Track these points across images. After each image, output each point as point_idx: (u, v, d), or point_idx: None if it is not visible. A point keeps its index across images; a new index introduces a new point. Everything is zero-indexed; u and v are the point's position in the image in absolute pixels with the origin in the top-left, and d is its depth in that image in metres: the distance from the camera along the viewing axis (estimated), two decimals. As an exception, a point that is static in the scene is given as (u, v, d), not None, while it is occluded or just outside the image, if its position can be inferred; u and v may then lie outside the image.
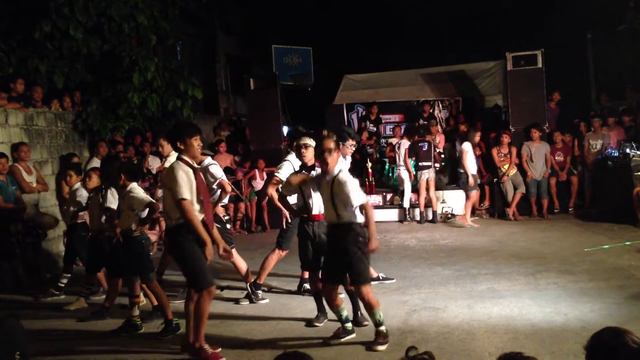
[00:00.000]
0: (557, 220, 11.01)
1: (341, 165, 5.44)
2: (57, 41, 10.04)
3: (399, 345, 4.84)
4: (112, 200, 6.27)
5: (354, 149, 6.81)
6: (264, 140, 12.52)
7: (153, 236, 9.48)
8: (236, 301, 6.71)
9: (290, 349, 2.45)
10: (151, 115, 10.92)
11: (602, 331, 2.35)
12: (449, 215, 11.83)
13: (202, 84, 12.69)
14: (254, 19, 18.16)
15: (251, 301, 6.63)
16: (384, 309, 5.21)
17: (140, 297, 6.12)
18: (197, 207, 4.88)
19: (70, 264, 7.58)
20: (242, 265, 6.75)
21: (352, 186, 4.96)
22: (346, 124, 14.82)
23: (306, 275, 6.53)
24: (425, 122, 13.22)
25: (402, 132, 13.15)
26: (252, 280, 6.72)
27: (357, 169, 11.42)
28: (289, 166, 6.36)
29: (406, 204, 11.88)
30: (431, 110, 15.05)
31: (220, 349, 5.03)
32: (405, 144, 11.87)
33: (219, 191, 6.57)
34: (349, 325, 5.25)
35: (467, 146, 10.88)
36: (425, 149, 11.57)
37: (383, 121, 15.58)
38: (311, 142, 5.88)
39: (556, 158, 11.67)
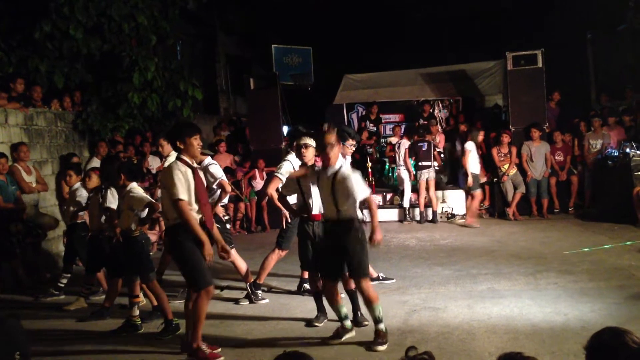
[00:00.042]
0: (557, 220, 11.00)
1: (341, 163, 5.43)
2: (57, 41, 10.03)
3: (399, 345, 4.84)
4: (112, 200, 6.27)
5: (354, 148, 6.80)
6: (264, 140, 12.52)
7: (153, 236, 9.47)
8: (236, 301, 6.71)
9: (290, 349, 2.45)
10: (151, 115, 10.92)
11: (602, 331, 2.35)
12: (449, 215, 11.83)
13: (202, 84, 12.68)
14: (254, 19, 18.17)
15: (251, 301, 6.63)
16: (384, 309, 5.21)
17: (140, 297, 6.12)
18: (195, 207, 4.88)
19: (70, 264, 7.58)
20: (242, 265, 6.75)
21: (356, 180, 4.97)
22: (346, 123, 14.82)
23: (306, 275, 6.53)
24: (425, 122, 13.22)
25: (402, 131, 13.16)
26: (252, 280, 6.72)
27: (357, 169, 11.39)
28: (288, 166, 6.35)
29: (406, 204, 11.87)
30: (431, 110, 15.06)
31: (220, 349, 5.03)
32: (405, 143, 11.87)
33: (218, 191, 6.57)
34: (348, 323, 5.24)
35: (470, 145, 10.87)
36: (424, 148, 11.57)
37: (383, 121, 15.59)
38: (311, 142, 5.87)
39: (556, 158, 11.67)
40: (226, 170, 9.30)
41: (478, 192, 10.98)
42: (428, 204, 11.71)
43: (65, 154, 9.98)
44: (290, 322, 5.85)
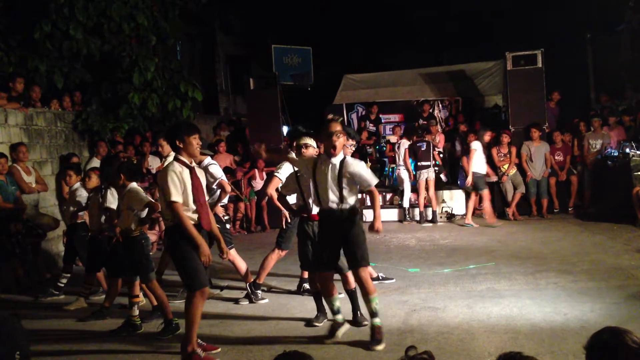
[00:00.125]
0: (557, 220, 11.00)
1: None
2: (57, 41, 10.02)
3: (399, 345, 4.84)
4: (112, 200, 6.27)
5: (353, 148, 6.80)
6: (263, 140, 12.47)
7: (153, 236, 9.48)
8: (236, 301, 6.71)
9: (290, 349, 2.45)
10: (151, 115, 10.92)
11: (602, 331, 2.35)
12: (449, 215, 11.83)
13: (202, 84, 12.69)
14: (254, 19, 18.16)
15: (251, 301, 6.63)
16: (384, 309, 5.21)
17: (140, 297, 6.12)
18: (192, 207, 4.86)
19: (70, 264, 7.58)
20: (242, 265, 6.75)
21: (364, 167, 5.01)
22: (346, 123, 14.82)
23: (306, 275, 6.53)
24: (425, 122, 13.22)
25: (402, 131, 13.16)
26: (252, 280, 6.71)
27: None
28: (288, 166, 6.35)
29: (406, 204, 11.87)
30: (431, 110, 15.06)
31: (219, 349, 5.03)
32: (405, 143, 11.87)
33: (218, 191, 6.57)
34: (340, 317, 5.24)
35: (476, 145, 10.85)
36: (423, 148, 11.56)
37: (383, 121, 15.60)
38: (311, 142, 5.88)
39: (556, 158, 11.67)
40: (226, 170, 9.31)
41: (485, 192, 10.92)
42: (428, 204, 11.72)
43: (65, 154, 9.98)
44: (290, 322, 5.85)
